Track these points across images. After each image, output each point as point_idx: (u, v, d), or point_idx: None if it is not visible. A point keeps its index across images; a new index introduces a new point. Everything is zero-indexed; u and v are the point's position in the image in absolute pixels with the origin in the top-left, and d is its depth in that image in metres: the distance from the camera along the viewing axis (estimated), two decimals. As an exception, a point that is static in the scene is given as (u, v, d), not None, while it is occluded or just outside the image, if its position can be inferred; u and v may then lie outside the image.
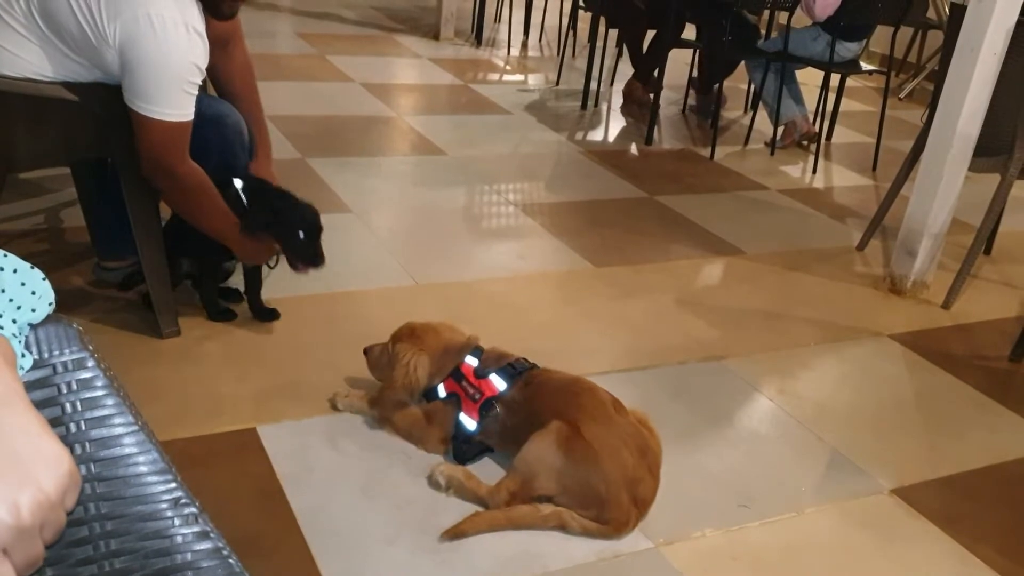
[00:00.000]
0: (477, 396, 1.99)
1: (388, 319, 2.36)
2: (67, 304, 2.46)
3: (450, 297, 2.76)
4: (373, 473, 1.95)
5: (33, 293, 0.69)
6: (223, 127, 2.36)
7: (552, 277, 3.00)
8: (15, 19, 2.02)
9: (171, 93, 2.05)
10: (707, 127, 4.94)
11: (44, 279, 0.69)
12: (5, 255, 0.67)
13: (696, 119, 5.20)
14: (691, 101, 5.32)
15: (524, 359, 2.05)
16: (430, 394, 2.07)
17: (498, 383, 1.99)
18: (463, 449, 2.01)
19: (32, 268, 0.69)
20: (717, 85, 5.03)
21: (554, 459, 1.83)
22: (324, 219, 2.39)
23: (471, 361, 2.03)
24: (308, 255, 2.36)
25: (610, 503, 1.80)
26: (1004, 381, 2.70)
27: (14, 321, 0.67)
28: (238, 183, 2.32)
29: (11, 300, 0.67)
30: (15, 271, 0.67)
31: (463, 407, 2.01)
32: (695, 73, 5.29)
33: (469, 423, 2.00)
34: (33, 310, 0.69)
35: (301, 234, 2.32)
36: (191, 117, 2.10)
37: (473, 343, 2.08)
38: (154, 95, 2.03)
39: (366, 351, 2.18)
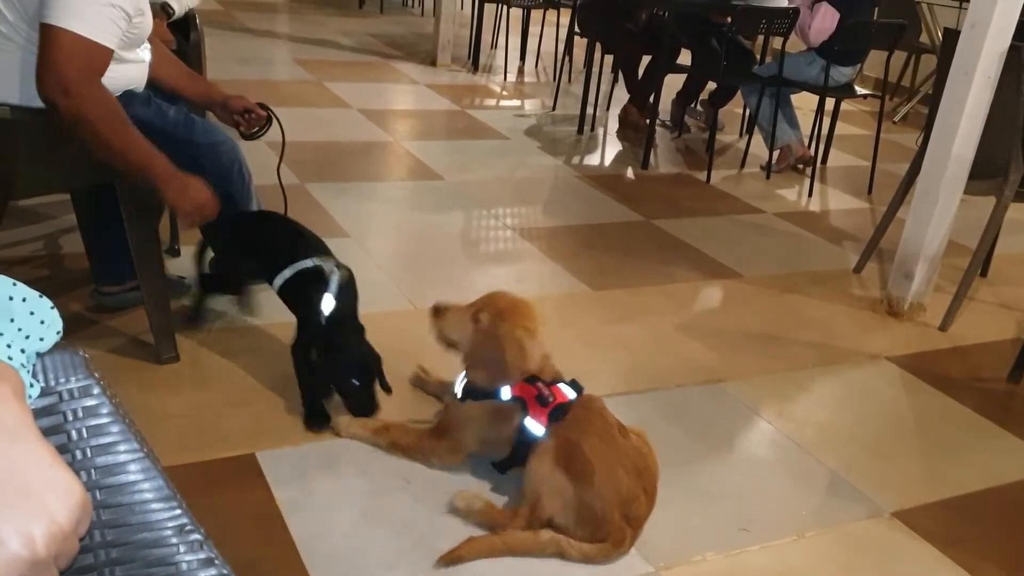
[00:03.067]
0: (549, 400, 1.91)
1: (386, 343, 2.36)
2: (65, 330, 2.45)
3: (449, 321, 2.76)
4: (372, 498, 1.95)
5: (42, 322, 0.69)
6: (218, 154, 2.37)
7: (550, 301, 3.01)
8: None
9: (87, 8, 1.93)
10: (703, 151, 4.97)
11: (53, 308, 0.69)
12: (15, 284, 0.67)
13: (689, 143, 5.23)
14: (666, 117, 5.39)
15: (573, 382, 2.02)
16: (481, 394, 1.96)
17: (568, 392, 1.94)
18: (517, 453, 1.93)
19: (41, 297, 0.69)
20: (714, 111, 5.08)
21: (552, 476, 1.82)
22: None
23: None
24: (358, 402, 2.16)
25: (605, 521, 1.80)
26: (1002, 403, 2.71)
27: (23, 351, 0.67)
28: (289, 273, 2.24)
29: (20, 329, 0.67)
30: (24, 300, 0.68)
31: (530, 411, 1.91)
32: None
33: (537, 428, 1.91)
34: (41, 339, 0.69)
35: (354, 381, 2.14)
36: (109, 45, 1.98)
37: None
38: (68, 5, 1.91)
39: (437, 309, 2.07)
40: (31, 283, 0.70)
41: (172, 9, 2.78)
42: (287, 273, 2.24)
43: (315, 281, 2.19)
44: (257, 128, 2.56)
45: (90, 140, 2.03)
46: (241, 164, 2.43)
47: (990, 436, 2.51)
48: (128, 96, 2.20)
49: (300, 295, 2.23)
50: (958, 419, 2.58)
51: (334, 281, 2.19)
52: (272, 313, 2.66)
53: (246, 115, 2.54)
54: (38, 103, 2.05)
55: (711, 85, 5.33)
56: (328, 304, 2.16)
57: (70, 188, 2.55)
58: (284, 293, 2.28)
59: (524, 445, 1.92)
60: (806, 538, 1.99)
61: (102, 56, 1.99)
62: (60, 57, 1.93)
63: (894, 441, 2.44)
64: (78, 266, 2.73)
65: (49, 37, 1.93)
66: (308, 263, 2.23)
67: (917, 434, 2.50)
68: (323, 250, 2.32)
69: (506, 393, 1.95)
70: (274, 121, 2.60)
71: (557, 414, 1.91)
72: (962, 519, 2.14)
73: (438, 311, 2.08)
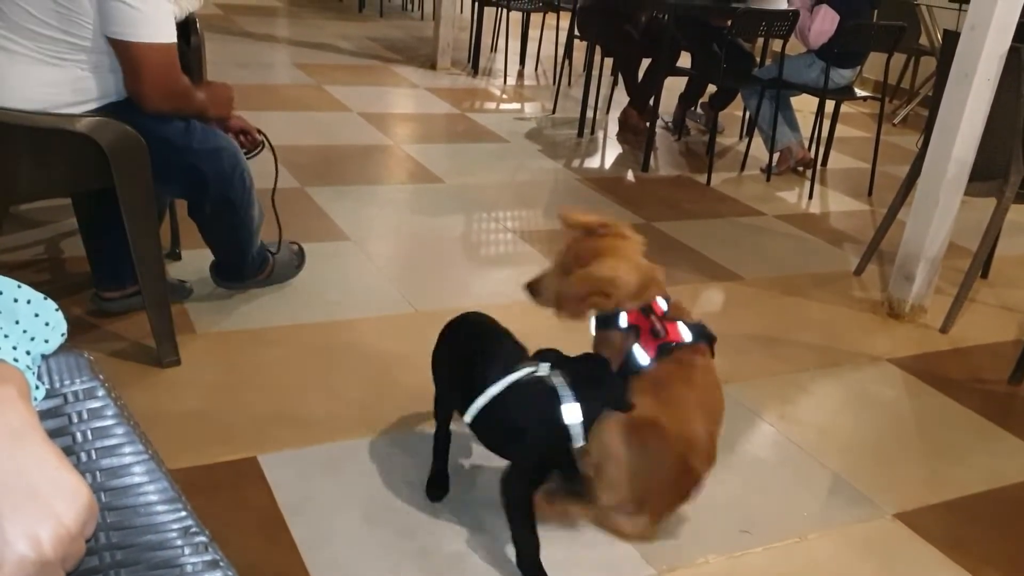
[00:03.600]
0: (661, 335, 1.88)
1: (387, 347, 2.36)
2: (68, 333, 2.45)
3: (450, 324, 2.76)
4: (374, 501, 1.95)
5: (47, 324, 0.69)
6: (219, 159, 2.37)
7: (551, 304, 3.01)
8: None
9: (157, 15, 2.06)
10: (703, 154, 4.97)
11: (57, 310, 0.70)
12: (20, 286, 0.68)
13: (689, 145, 5.24)
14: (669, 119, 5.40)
15: (704, 326, 1.97)
16: (608, 321, 1.92)
17: (685, 333, 1.90)
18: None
19: (45, 299, 0.69)
20: (714, 114, 5.08)
21: (618, 450, 1.81)
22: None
23: (661, 303, 1.94)
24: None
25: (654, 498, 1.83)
26: (1004, 404, 2.71)
27: (28, 353, 0.67)
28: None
29: (25, 331, 0.67)
30: (29, 302, 0.68)
31: (641, 340, 1.87)
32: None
33: (643, 358, 1.86)
34: (46, 341, 0.70)
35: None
36: (175, 38, 2.14)
37: (663, 287, 1.98)
38: (145, 19, 2.04)
39: (532, 288, 2.03)
40: (32, 286, 0.70)
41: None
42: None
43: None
44: (247, 150, 2.58)
45: (181, 111, 2.27)
46: (243, 170, 2.44)
47: (991, 438, 2.51)
48: (129, 103, 2.21)
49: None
50: (959, 421, 2.58)
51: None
52: (272, 316, 2.66)
53: (240, 135, 2.58)
54: (36, 106, 2.07)
55: (711, 88, 5.33)
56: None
57: (71, 192, 2.55)
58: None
59: (628, 371, 1.87)
60: (808, 540, 1.99)
61: (175, 51, 2.14)
62: (155, 71, 2.11)
63: (895, 443, 2.44)
64: (79, 269, 2.73)
65: (135, 54, 2.07)
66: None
67: (918, 436, 2.50)
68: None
69: (623, 320, 1.91)
70: (266, 146, 2.63)
71: (665, 350, 1.87)
72: (964, 521, 2.14)
73: (534, 289, 2.03)
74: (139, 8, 2.04)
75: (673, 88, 5.22)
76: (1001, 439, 2.50)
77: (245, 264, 2.67)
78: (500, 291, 3.06)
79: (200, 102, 2.32)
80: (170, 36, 2.12)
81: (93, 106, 2.15)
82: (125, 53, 2.08)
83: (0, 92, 2.05)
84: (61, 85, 2.10)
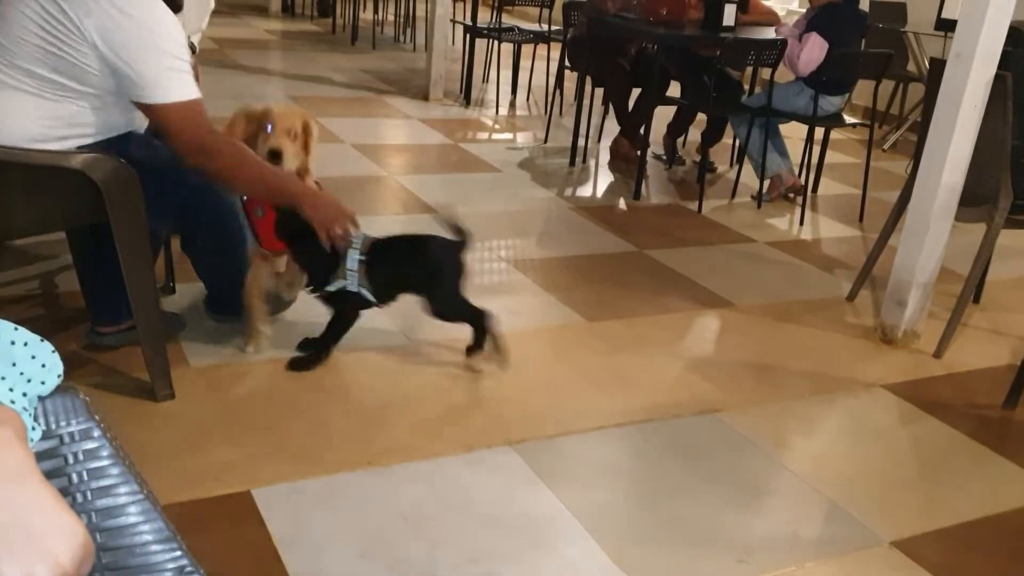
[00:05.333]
0: None
1: (382, 379, 2.36)
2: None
3: (444, 356, 2.76)
4: (369, 534, 1.94)
5: (43, 366, 0.69)
6: (213, 193, 2.39)
7: (545, 332, 3.01)
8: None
9: (174, 77, 2.13)
10: (694, 182, 5.00)
11: (54, 351, 0.70)
12: (16, 328, 0.68)
13: (681, 173, 5.27)
14: (657, 150, 5.43)
15: None
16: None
17: None
18: None
19: (42, 340, 0.70)
20: (703, 149, 5.12)
21: None
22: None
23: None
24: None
25: None
26: (999, 429, 2.71)
27: (24, 395, 0.68)
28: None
29: (22, 373, 0.68)
30: (25, 344, 0.68)
31: None
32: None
33: None
34: (43, 382, 0.70)
35: None
36: (198, 93, 2.19)
37: None
38: (161, 82, 2.11)
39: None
40: (27, 322, 0.71)
41: (195, 47, 2.83)
42: None
43: None
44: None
45: (234, 180, 2.31)
46: (234, 206, 2.47)
47: (987, 463, 2.51)
48: (126, 137, 2.22)
49: None
50: (955, 446, 2.58)
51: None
52: (266, 349, 2.66)
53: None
54: (31, 143, 2.08)
55: (700, 117, 5.37)
56: None
57: (66, 228, 2.56)
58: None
59: None
60: (805, 568, 1.99)
61: (201, 105, 2.21)
62: (182, 126, 2.17)
63: (891, 469, 2.44)
64: (73, 304, 2.73)
65: (163, 116, 2.16)
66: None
67: (914, 462, 2.50)
68: None
69: None
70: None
71: None
72: (962, 548, 2.13)
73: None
74: (150, 74, 2.10)
75: (664, 117, 5.26)
76: (997, 464, 2.51)
77: (238, 295, 2.68)
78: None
79: (267, 172, 2.34)
80: (190, 93, 2.16)
81: (91, 141, 2.17)
82: (151, 115, 2.19)
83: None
84: (59, 119, 2.12)
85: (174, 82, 2.13)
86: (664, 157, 5.43)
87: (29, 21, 2.02)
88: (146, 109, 2.16)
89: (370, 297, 2.52)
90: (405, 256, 2.57)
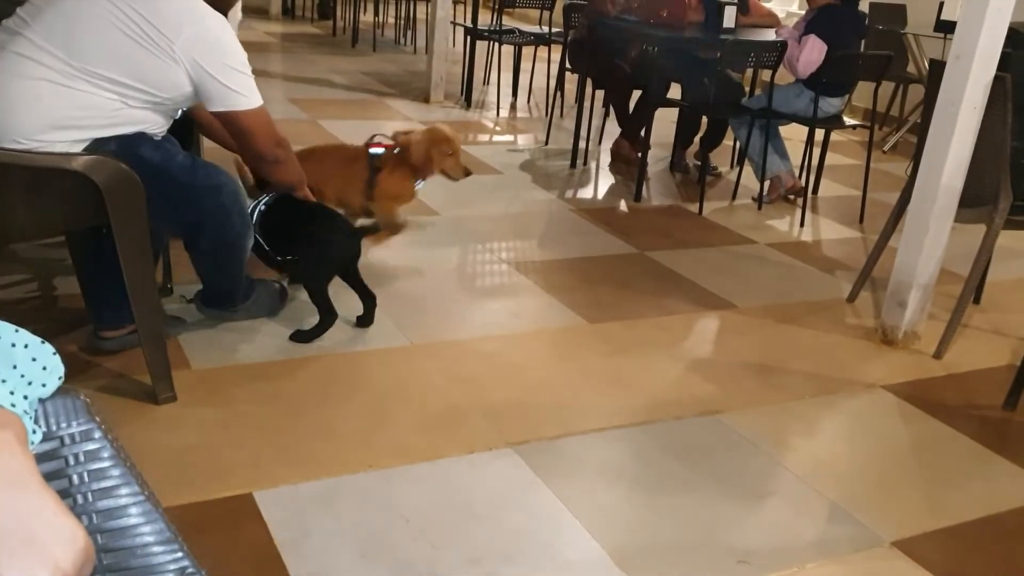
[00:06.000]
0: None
1: (383, 380, 2.36)
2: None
3: (446, 357, 2.77)
4: (371, 537, 1.94)
5: (44, 368, 0.70)
6: (219, 196, 2.40)
7: (547, 334, 3.02)
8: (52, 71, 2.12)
9: (244, 82, 2.33)
10: (695, 183, 5.00)
11: (55, 354, 0.70)
12: (17, 330, 0.68)
13: (681, 175, 5.27)
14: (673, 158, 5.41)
15: None
16: None
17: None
18: None
19: (43, 343, 0.70)
20: (703, 153, 5.11)
21: None
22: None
23: None
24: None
25: None
26: (999, 430, 2.71)
27: (25, 397, 0.68)
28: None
29: (23, 376, 0.68)
30: (26, 346, 0.69)
31: None
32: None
33: None
34: (44, 385, 0.70)
35: None
36: (262, 99, 2.42)
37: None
38: (239, 89, 2.31)
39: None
40: (27, 324, 0.71)
41: None
42: None
43: None
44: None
45: (288, 167, 2.63)
46: (242, 207, 2.51)
47: (988, 463, 2.51)
48: (139, 136, 2.24)
49: None
50: (955, 447, 2.58)
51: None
52: (267, 351, 2.66)
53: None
54: (30, 144, 2.09)
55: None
56: None
57: (67, 230, 2.56)
58: None
59: None
60: (806, 570, 1.99)
61: (267, 110, 2.43)
62: (259, 134, 2.43)
63: (892, 470, 2.44)
64: (74, 307, 2.74)
65: (240, 125, 2.38)
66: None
67: (915, 463, 2.50)
68: None
69: None
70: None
71: None
72: (963, 548, 2.13)
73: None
74: (235, 87, 2.30)
75: (664, 118, 5.26)
76: (997, 465, 2.51)
77: (235, 293, 2.71)
78: (496, 322, 3.07)
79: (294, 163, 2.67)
80: (260, 99, 2.40)
81: (110, 133, 2.22)
82: (236, 123, 2.38)
83: (28, 112, 2.12)
84: (97, 109, 2.19)
85: (252, 91, 2.35)
86: (713, 167, 5.32)
87: (111, 27, 2.13)
88: (232, 118, 2.35)
89: (263, 243, 2.76)
90: (295, 215, 2.80)
